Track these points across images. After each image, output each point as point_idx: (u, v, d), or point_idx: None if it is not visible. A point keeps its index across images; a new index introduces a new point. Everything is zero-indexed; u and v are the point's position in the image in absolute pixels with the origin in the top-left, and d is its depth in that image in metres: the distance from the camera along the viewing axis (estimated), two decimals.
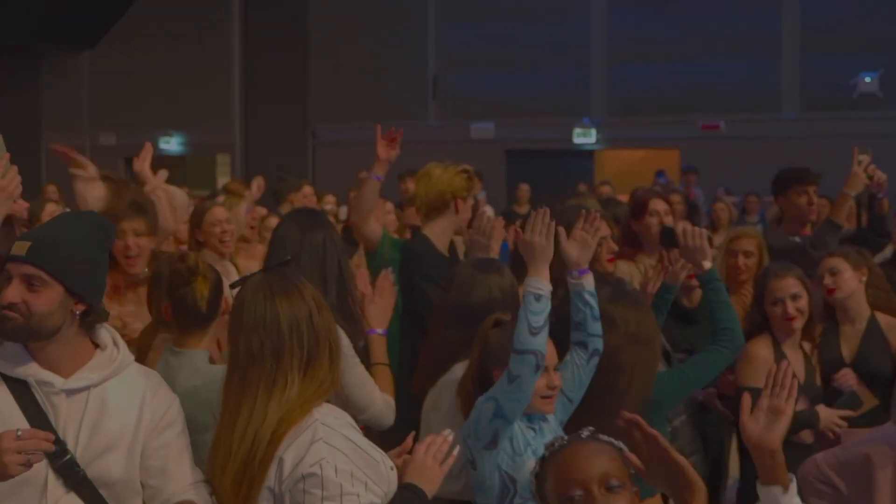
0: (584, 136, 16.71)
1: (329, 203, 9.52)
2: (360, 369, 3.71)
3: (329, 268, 3.76)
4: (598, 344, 3.61)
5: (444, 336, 3.80)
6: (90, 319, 2.69)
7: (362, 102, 17.45)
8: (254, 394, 2.62)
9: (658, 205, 5.34)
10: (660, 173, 14.78)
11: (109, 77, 19.40)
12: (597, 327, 3.60)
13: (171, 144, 19.25)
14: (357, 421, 3.81)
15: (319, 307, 2.71)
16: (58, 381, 2.63)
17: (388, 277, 3.97)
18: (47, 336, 2.62)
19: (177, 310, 3.46)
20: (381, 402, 3.75)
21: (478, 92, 16.96)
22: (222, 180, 19.88)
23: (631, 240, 5.39)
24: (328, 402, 2.72)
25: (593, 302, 3.59)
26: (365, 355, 3.86)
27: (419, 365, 3.95)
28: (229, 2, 18.49)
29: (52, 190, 11.78)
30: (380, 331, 3.90)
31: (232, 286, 2.91)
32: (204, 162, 20.86)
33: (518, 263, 3.89)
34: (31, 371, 2.63)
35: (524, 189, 13.88)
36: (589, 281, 3.60)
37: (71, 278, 2.62)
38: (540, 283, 3.33)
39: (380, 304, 3.90)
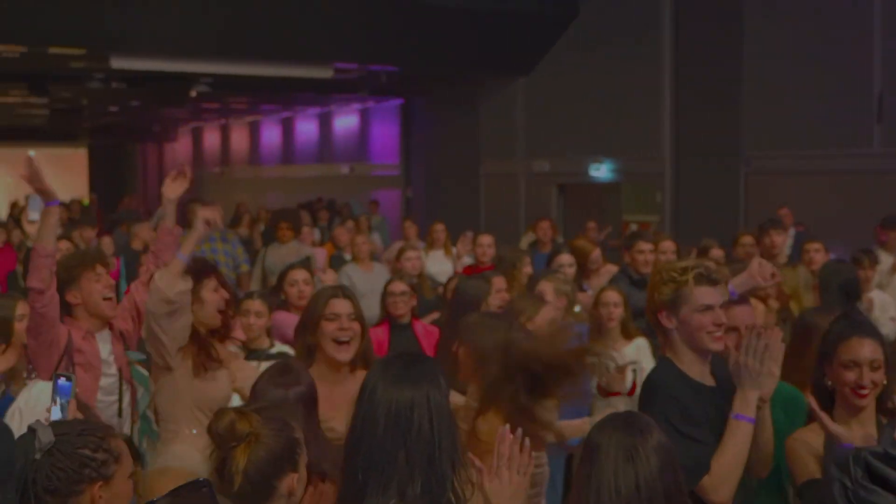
0: None
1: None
2: None
3: (414, 442, 2.64)
4: None
5: None
6: None
7: (798, 128, 16.02)
8: None
9: None
10: None
11: (542, 104, 19.44)
12: None
13: (601, 171, 18.92)
14: None
15: None
16: None
17: (521, 442, 2.88)
18: None
19: (217, 480, 2.71)
20: None
21: None
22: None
23: None
24: None
25: None
26: None
27: None
28: (660, 28, 17.78)
29: (439, 228, 11.73)
30: None
31: None
32: (641, 189, 20.28)
33: None
34: None
35: None
36: None
37: None
38: None
39: (505, 479, 2.83)
